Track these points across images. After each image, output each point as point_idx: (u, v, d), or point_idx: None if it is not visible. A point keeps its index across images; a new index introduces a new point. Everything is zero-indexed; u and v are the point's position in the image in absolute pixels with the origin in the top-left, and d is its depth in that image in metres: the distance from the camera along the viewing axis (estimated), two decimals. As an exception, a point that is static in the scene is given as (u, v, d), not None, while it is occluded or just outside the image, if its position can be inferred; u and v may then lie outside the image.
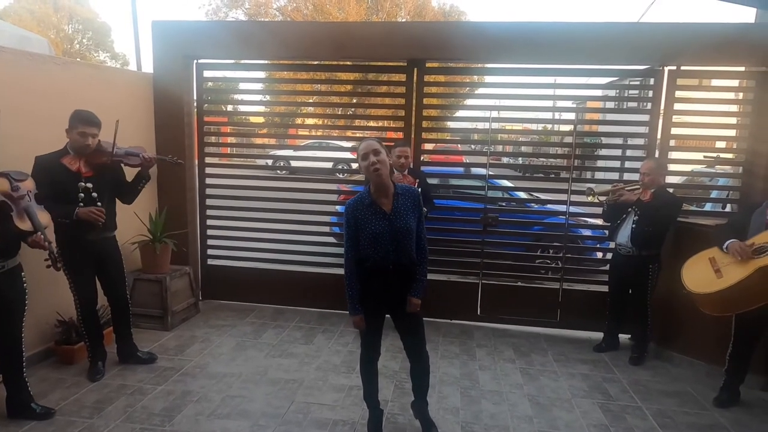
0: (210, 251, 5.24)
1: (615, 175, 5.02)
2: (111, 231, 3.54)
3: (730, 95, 4.71)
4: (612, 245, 4.40)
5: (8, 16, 27.55)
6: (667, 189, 4.04)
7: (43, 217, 2.81)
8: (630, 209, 3.99)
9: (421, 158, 4.81)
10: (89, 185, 3.29)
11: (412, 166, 4.47)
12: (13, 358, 2.95)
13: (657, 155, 4.36)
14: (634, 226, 3.93)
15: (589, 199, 4.12)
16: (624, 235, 4.02)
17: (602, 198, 4.13)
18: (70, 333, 3.74)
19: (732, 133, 4.47)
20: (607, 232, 4.40)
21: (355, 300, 2.72)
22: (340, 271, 5.21)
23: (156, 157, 3.63)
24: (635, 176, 4.64)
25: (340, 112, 5.88)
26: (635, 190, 4.00)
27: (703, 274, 3.26)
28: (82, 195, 3.26)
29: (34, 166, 3.18)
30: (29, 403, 3.00)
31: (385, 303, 2.80)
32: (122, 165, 3.53)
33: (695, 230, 3.99)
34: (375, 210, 2.63)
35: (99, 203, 3.28)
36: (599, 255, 5.58)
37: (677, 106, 4.37)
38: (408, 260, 2.71)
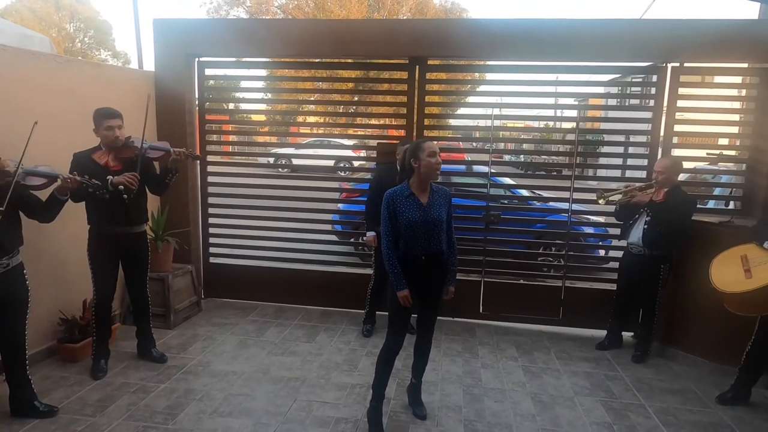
0: (212, 249, 5.25)
1: (617, 173, 5.01)
2: (140, 225, 3.62)
3: (734, 92, 4.70)
4: (619, 242, 4.38)
5: (9, 14, 27.59)
6: (681, 188, 3.96)
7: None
8: (642, 210, 3.96)
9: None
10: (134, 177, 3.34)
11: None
12: (17, 356, 2.95)
13: (660, 153, 4.34)
14: (645, 227, 3.89)
15: (601, 202, 4.06)
16: (635, 235, 3.98)
17: (613, 200, 4.07)
18: (72, 331, 3.75)
19: (735, 130, 4.45)
20: (608, 229, 4.39)
21: (400, 276, 2.84)
22: (342, 269, 5.26)
23: (184, 152, 3.62)
24: (638, 173, 4.63)
25: (341, 110, 5.86)
26: (647, 191, 3.94)
27: (732, 273, 3.19)
28: (111, 188, 3.30)
29: (72, 162, 3.30)
30: (32, 401, 3.01)
31: (418, 294, 2.94)
32: (150, 159, 3.57)
33: (698, 227, 3.97)
34: (413, 201, 2.86)
35: (125, 195, 3.30)
36: (602, 252, 5.57)
37: (680, 103, 4.35)
38: (438, 249, 2.91)
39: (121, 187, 3.26)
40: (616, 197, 4.05)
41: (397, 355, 2.99)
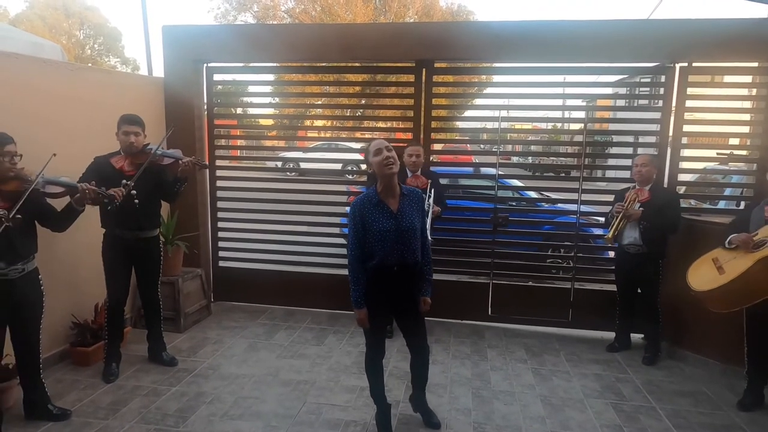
0: (221, 253, 5.28)
1: (626, 173, 4.98)
2: (151, 231, 3.66)
3: (743, 91, 4.66)
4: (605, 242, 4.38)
5: (20, 22, 27.93)
6: (659, 184, 4.08)
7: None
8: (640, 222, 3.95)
9: (431, 158, 4.81)
10: (130, 183, 3.35)
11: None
12: (31, 359, 3.00)
13: (669, 153, 4.33)
14: (641, 227, 3.93)
15: (610, 237, 4.07)
16: (631, 235, 4.00)
17: (617, 233, 4.05)
18: (84, 335, 3.79)
19: (745, 129, 4.41)
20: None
21: (360, 295, 2.73)
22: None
23: (192, 161, 3.58)
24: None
25: (348, 114, 5.89)
26: (631, 201, 3.95)
27: (707, 274, 3.36)
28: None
29: (91, 163, 3.40)
30: (46, 405, 3.05)
31: (390, 304, 2.83)
32: (161, 166, 3.58)
33: (708, 228, 3.95)
34: (382, 209, 2.68)
35: (137, 201, 3.32)
36: (611, 254, 5.54)
37: (689, 103, 4.32)
38: (412, 260, 2.75)
39: (106, 200, 3.11)
40: (617, 225, 3.99)
41: (382, 360, 2.94)
